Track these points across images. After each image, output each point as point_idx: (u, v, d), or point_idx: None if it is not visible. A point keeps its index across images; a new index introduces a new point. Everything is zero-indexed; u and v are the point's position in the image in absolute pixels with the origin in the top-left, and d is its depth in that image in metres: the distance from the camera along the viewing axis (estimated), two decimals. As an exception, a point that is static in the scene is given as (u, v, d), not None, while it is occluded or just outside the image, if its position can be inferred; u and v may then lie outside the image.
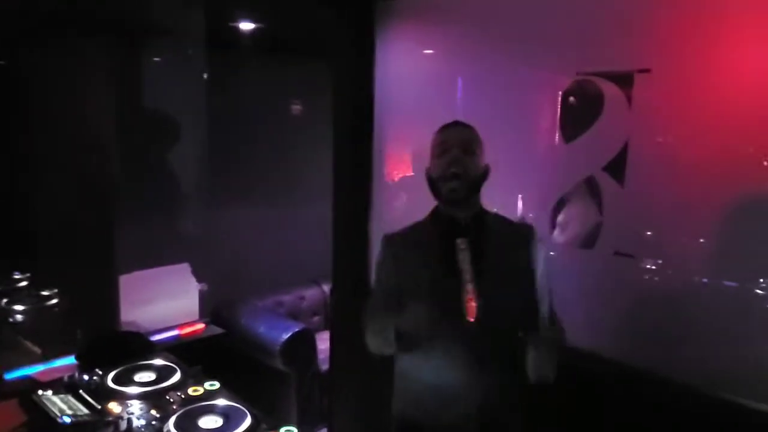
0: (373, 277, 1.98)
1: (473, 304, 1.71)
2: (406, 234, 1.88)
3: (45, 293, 2.25)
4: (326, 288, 4.01)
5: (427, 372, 1.84)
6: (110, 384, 1.72)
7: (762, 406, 1.88)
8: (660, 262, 2.10)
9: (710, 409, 1.96)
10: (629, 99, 2.10)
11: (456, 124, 1.84)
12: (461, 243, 1.74)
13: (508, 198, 2.43)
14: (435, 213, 1.85)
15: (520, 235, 1.84)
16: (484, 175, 1.80)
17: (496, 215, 1.89)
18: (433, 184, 1.79)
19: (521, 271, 1.77)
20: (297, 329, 3.48)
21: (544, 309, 1.75)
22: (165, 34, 2.51)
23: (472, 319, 1.72)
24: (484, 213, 1.85)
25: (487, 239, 1.80)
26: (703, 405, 1.97)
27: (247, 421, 1.55)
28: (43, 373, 1.93)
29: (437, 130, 1.85)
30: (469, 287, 1.72)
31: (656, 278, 2.12)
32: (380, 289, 1.89)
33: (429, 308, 1.80)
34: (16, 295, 2.25)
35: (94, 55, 2.37)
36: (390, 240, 1.88)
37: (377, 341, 1.86)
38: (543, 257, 1.79)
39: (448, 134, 1.79)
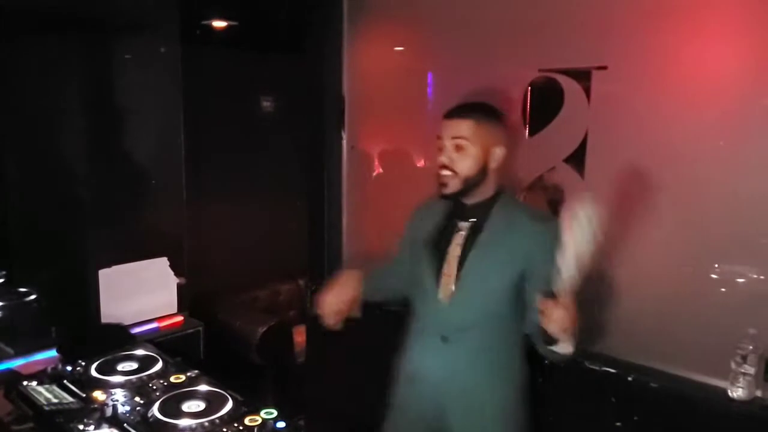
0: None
1: (450, 285, 1.79)
2: (428, 206, 1.94)
3: (23, 290, 2.27)
4: (302, 283, 4.07)
5: (409, 343, 1.93)
6: (94, 373, 1.76)
7: (711, 379, 2.02)
8: (619, 250, 2.22)
9: (665, 386, 2.09)
10: (588, 95, 2.21)
11: (455, 111, 1.78)
12: (461, 225, 1.82)
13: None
14: None
15: (534, 229, 1.76)
16: (482, 171, 1.75)
17: (517, 204, 1.89)
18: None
19: (519, 263, 1.74)
20: (273, 323, 3.54)
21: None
22: (137, 30, 2.54)
23: (445, 298, 1.80)
24: (498, 199, 1.81)
25: (492, 226, 1.78)
26: (661, 386, 2.10)
27: (229, 405, 1.61)
28: (25, 366, 1.96)
29: (444, 113, 1.80)
30: (451, 267, 1.79)
31: (615, 265, 2.24)
32: (396, 253, 2.03)
33: (417, 281, 1.88)
34: (-7, 293, 2.27)
35: (63, 51, 2.38)
36: (415, 210, 1.99)
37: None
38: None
39: (444, 128, 1.77)
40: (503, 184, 1.85)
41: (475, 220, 1.80)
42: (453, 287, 1.79)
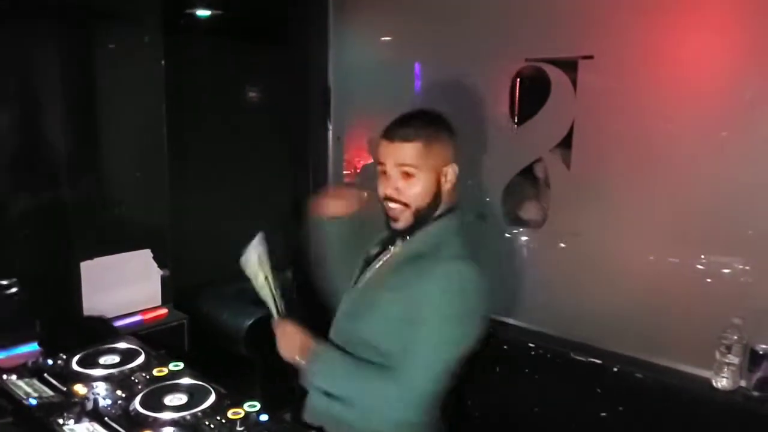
0: None
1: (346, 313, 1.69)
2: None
3: (3, 282, 2.24)
4: (289, 274, 4.04)
5: None
6: (75, 367, 1.73)
7: (696, 370, 2.03)
8: (604, 239, 2.22)
9: (653, 378, 2.10)
10: (574, 84, 2.21)
11: (398, 132, 1.51)
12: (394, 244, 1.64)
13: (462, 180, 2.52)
14: None
15: (431, 272, 1.50)
16: (435, 197, 1.54)
17: (430, 235, 1.58)
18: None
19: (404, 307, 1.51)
20: (260, 315, 3.52)
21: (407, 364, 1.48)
22: (120, 19, 2.50)
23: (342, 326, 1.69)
24: (438, 223, 1.59)
25: (409, 256, 1.58)
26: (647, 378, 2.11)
27: (212, 398, 1.59)
28: (5, 360, 1.93)
29: (383, 130, 1.55)
30: (354, 295, 1.68)
31: (601, 256, 2.24)
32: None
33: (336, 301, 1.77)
34: (-28, 286, 2.24)
35: (44, 39, 2.33)
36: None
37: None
38: (437, 316, 1.47)
39: (387, 151, 1.52)
40: (449, 203, 1.60)
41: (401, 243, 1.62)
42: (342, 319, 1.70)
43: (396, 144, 1.50)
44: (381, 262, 1.66)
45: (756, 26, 1.84)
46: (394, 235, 1.64)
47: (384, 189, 1.55)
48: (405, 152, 1.50)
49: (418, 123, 1.53)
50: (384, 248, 1.69)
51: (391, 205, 1.54)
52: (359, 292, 1.68)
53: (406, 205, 1.53)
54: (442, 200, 1.57)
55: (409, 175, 1.50)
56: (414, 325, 1.47)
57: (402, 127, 1.52)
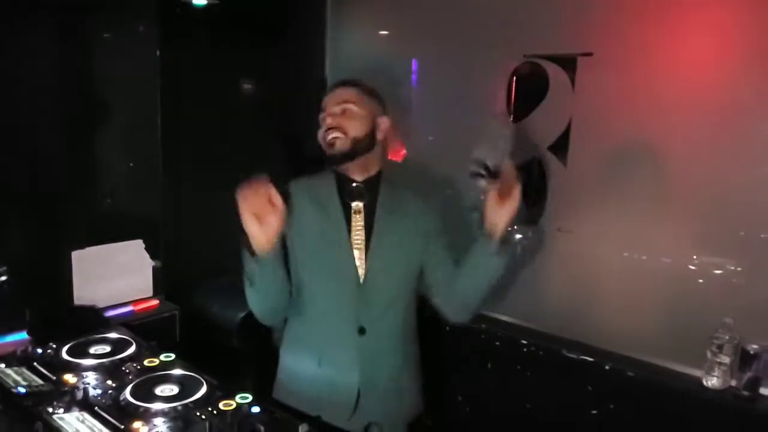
0: None
1: (360, 269, 1.76)
2: (309, 184, 1.86)
3: (-7, 270, 2.22)
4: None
5: (311, 334, 1.85)
6: (65, 356, 1.72)
7: (687, 369, 2.04)
8: (599, 238, 2.22)
9: (641, 375, 2.10)
10: (573, 81, 2.20)
11: (337, 83, 1.82)
12: (355, 206, 1.78)
13: (460, 176, 2.52)
14: (336, 172, 1.82)
15: (425, 208, 1.85)
16: (370, 136, 1.75)
17: (397, 184, 1.86)
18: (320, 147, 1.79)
19: (420, 240, 1.80)
20: (252, 308, 3.50)
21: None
22: (114, 8, 2.48)
23: (356, 285, 1.75)
24: (381, 178, 1.83)
25: (383, 206, 1.79)
26: (637, 374, 2.11)
27: (203, 389, 1.58)
28: (-6, 348, 1.92)
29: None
30: (357, 253, 1.76)
31: (595, 254, 2.24)
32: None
33: (317, 267, 1.79)
34: (-38, 274, 2.21)
35: (39, 28, 2.31)
36: (294, 187, 1.85)
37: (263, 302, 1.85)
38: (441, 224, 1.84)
39: (328, 98, 1.78)
40: (384, 162, 1.85)
41: (363, 201, 1.79)
42: (363, 270, 1.76)
43: (337, 90, 1.79)
44: (360, 217, 1.79)
45: (755, 26, 1.84)
46: (345, 189, 1.80)
47: (325, 122, 1.75)
48: (345, 92, 1.77)
49: (354, 81, 1.82)
50: (344, 203, 1.80)
51: (331, 132, 1.73)
52: (377, 245, 1.78)
53: (344, 132, 1.72)
54: (377, 146, 1.79)
55: (349, 111, 1.74)
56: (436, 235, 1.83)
57: (341, 83, 1.82)
